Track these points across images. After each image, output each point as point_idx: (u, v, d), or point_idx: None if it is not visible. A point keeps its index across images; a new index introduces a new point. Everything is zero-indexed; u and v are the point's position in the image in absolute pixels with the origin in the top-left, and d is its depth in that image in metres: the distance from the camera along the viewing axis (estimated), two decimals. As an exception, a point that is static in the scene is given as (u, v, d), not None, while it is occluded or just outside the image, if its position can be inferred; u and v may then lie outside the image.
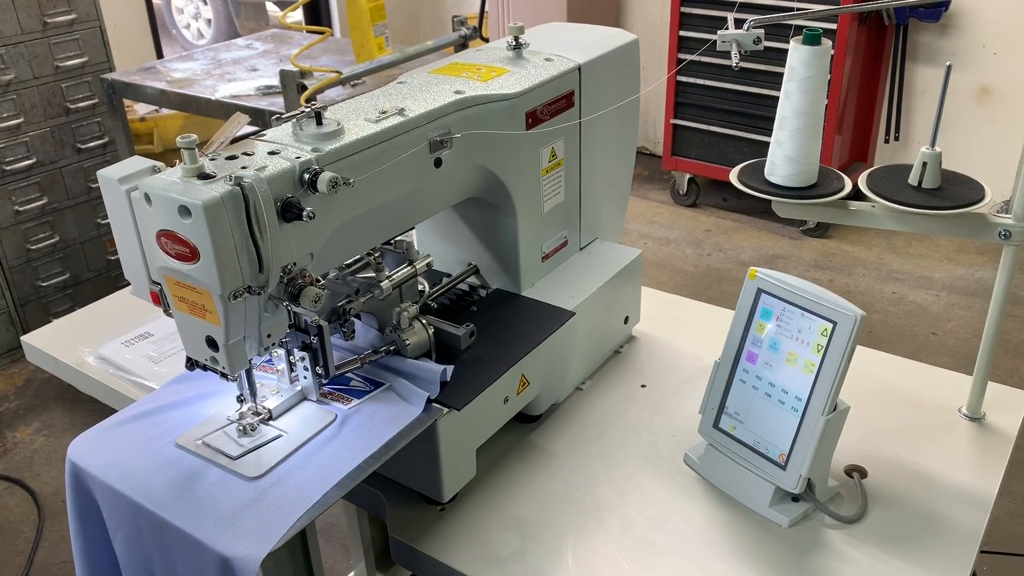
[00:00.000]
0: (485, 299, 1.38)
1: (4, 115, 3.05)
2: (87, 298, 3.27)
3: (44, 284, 3.29)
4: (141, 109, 3.74)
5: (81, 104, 3.25)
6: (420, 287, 1.30)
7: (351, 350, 1.24)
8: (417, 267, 1.27)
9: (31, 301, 3.27)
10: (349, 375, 1.21)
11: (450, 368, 1.18)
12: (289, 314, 1.08)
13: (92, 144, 3.32)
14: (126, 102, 3.20)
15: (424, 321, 1.24)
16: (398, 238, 1.28)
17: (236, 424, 1.14)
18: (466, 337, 1.25)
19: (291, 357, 1.18)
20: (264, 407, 1.16)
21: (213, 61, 3.20)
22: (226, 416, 1.15)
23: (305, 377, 1.18)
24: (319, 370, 1.15)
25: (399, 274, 1.25)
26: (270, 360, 1.22)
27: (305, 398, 1.19)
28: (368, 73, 2.61)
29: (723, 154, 4.12)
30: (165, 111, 3.69)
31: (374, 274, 1.24)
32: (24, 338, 1.61)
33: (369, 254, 1.26)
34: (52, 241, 3.28)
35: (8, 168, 3.09)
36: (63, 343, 1.57)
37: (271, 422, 1.15)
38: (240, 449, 1.10)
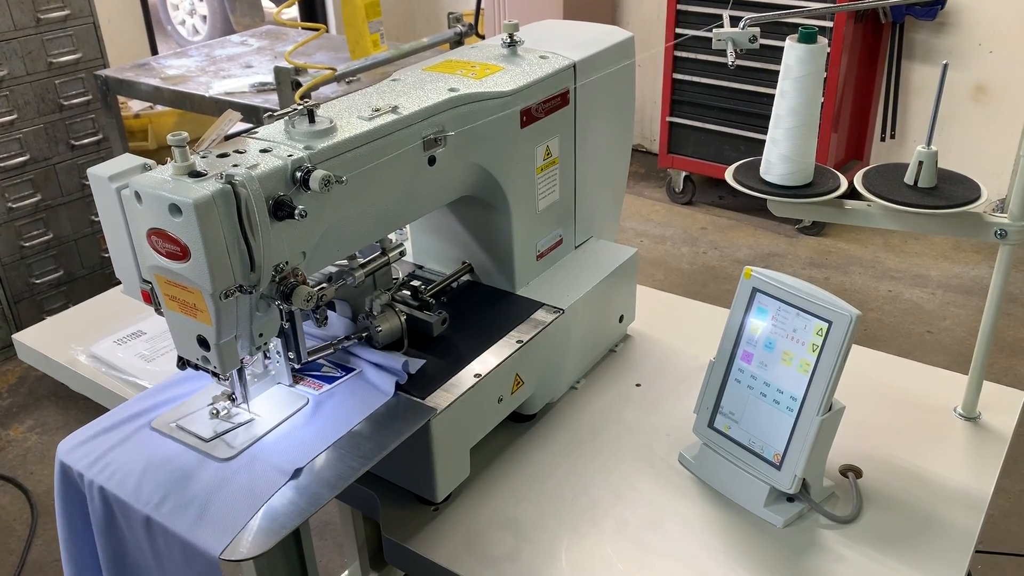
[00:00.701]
0: (468, 294, 1.37)
1: (-3, 111, 3.04)
2: (81, 295, 3.26)
3: (38, 281, 3.28)
4: (135, 106, 3.73)
5: (75, 100, 3.24)
6: (394, 275, 1.30)
7: (322, 338, 1.25)
8: (390, 255, 1.27)
9: (25, 298, 3.26)
10: (320, 362, 1.22)
11: (417, 362, 1.19)
12: (282, 314, 1.07)
13: (86, 141, 3.31)
14: (120, 99, 3.19)
15: (396, 308, 1.25)
16: None
17: (209, 408, 1.14)
18: (438, 324, 1.26)
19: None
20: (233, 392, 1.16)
21: (207, 58, 3.19)
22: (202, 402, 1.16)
23: (278, 362, 1.18)
24: (291, 355, 1.16)
25: (372, 263, 1.25)
26: None
27: (277, 383, 1.20)
28: (363, 70, 2.60)
29: (719, 152, 4.12)
30: (159, 108, 3.68)
31: (347, 261, 1.24)
32: (16, 336, 1.60)
33: None
34: (46, 238, 3.27)
35: (1, 165, 3.08)
36: (55, 341, 1.56)
37: (242, 405, 1.16)
38: (212, 432, 1.11)
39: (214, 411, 1.14)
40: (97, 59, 3.26)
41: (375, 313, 1.23)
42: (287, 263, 1.02)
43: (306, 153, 1.02)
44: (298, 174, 1.00)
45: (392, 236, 1.27)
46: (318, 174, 0.99)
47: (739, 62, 1.24)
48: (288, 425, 1.13)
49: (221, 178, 0.94)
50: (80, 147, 3.29)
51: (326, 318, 1.23)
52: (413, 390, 1.17)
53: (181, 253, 0.95)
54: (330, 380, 1.20)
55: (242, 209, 0.95)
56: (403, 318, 1.25)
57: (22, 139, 3.13)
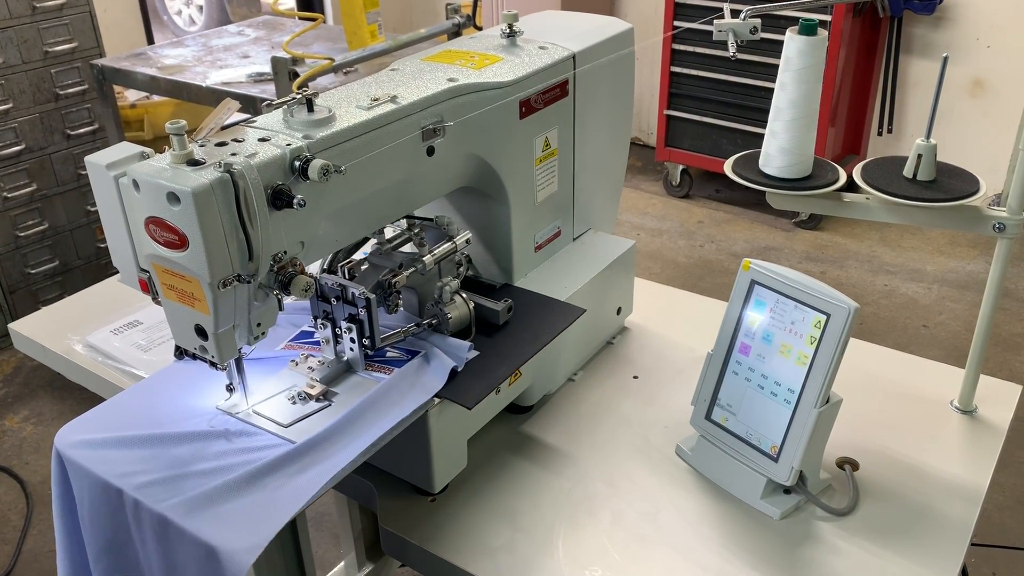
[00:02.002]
0: (496, 291, 1.37)
1: (-8, 100, 3.03)
2: (76, 285, 3.25)
3: (33, 271, 3.27)
4: (132, 96, 3.72)
5: (71, 90, 3.22)
6: (459, 262, 1.30)
7: (388, 326, 1.25)
8: (457, 243, 1.27)
9: (20, 288, 3.25)
10: (386, 348, 1.23)
11: (472, 350, 1.21)
12: (280, 304, 1.06)
13: (82, 130, 3.29)
14: (117, 88, 3.17)
15: (464, 296, 1.25)
16: (437, 215, 1.29)
17: (286, 394, 1.16)
18: (504, 312, 1.28)
19: (337, 329, 1.19)
20: (312, 380, 1.18)
21: (204, 48, 3.18)
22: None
23: (352, 349, 1.19)
24: (366, 342, 1.17)
25: (440, 249, 1.25)
26: (302, 338, 1.26)
27: (350, 369, 1.21)
28: (360, 60, 2.59)
29: (716, 145, 4.11)
30: (156, 98, 3.67)
31: (416, 249, 1.24)
32: (12, 326, 1.60)
33: (410, 228, 1.26)
34: (41, 228, 3.26)
35: (-4, 154, 3.07)
36: (51, 331, 1.55)
37: (318, 392, 1.17)
38: (291, 417, 1.12)
39: (291, 398, 1.15)
40: (93, 48, 3.25)
41: (445, 300, 1.23)
42: (285, 252, 1.02)
43: (305, 142, 1.02)
44: (297, 163, 0.99)
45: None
46: (317, 163, 0.99)
47: (738, 55, 1.24)
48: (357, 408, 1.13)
49: (220, 167, 0.94)
50: (76, 137, 3.28)
51: (398, 306, 1.23)
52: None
53: (179, 242, 0.95)
54: (399, 363, 1.20)
55: (240, 198, 0.95)
56: (471, 305, 1.25)
57: (17, 128, 3.11)
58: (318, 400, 1.15)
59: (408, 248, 1.26)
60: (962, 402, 1.36)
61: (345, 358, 1.21)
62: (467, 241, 1.28)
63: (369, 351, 1.19)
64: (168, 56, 3.08)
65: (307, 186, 1.01)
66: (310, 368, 1.20)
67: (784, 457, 1.14)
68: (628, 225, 4.07)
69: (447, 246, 1.25)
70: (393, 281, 1.19)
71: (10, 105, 3.07)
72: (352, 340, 1.18)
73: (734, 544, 1.13)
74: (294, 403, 1.15)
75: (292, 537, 1.22)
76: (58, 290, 3.35)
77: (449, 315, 1.23)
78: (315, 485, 1.01)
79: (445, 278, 1.25)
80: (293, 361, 1.22)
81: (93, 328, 1.52)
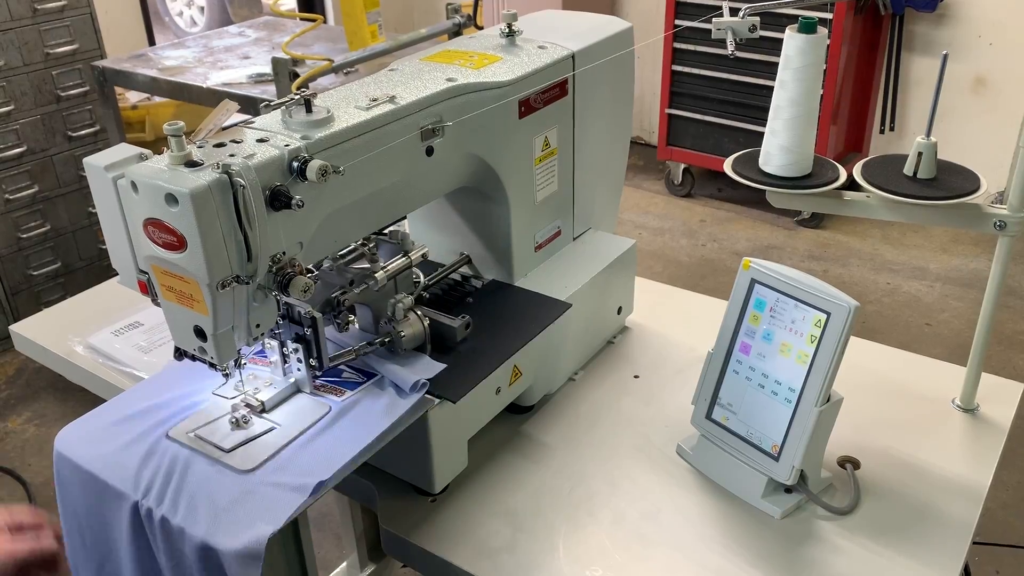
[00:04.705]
0: (481, 290, 1.37)
1: (-6, 102, 3.03)
2: (79, 287, 3.25)
3: (35, 273, 3.27)
4: (133, 97, 3.72)
5: (72, 92, 3.23)
6: (415, 278, 1.29)
7: (342, 344, 1.22)
8: (412, 258, 1.26)
9: (22, 290, 3.25)
10: (341, 367, 1.20)
11: (437, 366, 1.16)
12: (279, 304, 1.07)
13: (83, 132, 3.30)
14: (118, 90, 3.17)
15: (419, 312, 1.23)
16: (392, 228, 1.27)
17: (229, 416, 1.13)
18: (462, 329, 1.24)
19: (284, 349, 1.16)
20: (257, 399, 1.14)
21: (205, 49, 3.18)
22: (220, 407, 1.14)
23: (299, 369, 1.16)
24: (313, 362, 1.14)
25: (394, 265, 1.24)
26: (263, 352, 1.21)
27: (299, 390, 1.18)
28: (361, 61, 2.59)
29: (718, 144, 4.11)
30: (157, 99, 3.67)
31: (368, 264, 1.22)
32: (13, 327, 1.60)
33: (364, 244, 1.24)
34: (43, 230, 3.26)
35: (-2, 156, 3.07)
36: (52, 332, 1.55)
37: (264, 415, 1.14)
38: (233, 442, 1.09)
39: (233, 420, 1.12)
40: (94, 50, 3.25)
41: (398, 318, 1.20)
42: (284, 253, 1.02)
43: (303, 143, 1.01)
44: (295, 164, 0.99)
45: (412, 238, 1.25)
46: (315, 164, 0.99)
47: (738, 54, 1.24)
48: (310, 433, 1.10)
49: (218, 168, 0.94)
50: (77, 138, 3.28)
51: (348, 323, 1.20)
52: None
53: (177, 243, 0.94)
54: (352, 386, 1.17)
55: (239, 199, 0.94)
56: (426, 323, 1.22)
57: (19, 130, 3.12)
58: (259, 415, 1.12)
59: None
60: (964, 400, 1.35)
61: (292, 379, 1.17)
62: (423, 256, 1.25)
63: (317, 372, 1.15)
64: (169, 57, 3.08)
65: (306, 187, 1.01)
66: (255, 389, 1.16)
67: (785, 456, 1.14)
68: (630, 224, 4.07)
69: (401, 261, 1.23)
70: (343, 299, 1.17)
71: (12, 107, 3.07)
72: (300, 360, 1.14)
73: (735, 543, 1.13)
74: (236, 427, 1.11)
75: (294, 537, 1.22)
76: (60, 292, 3.35)
77: (402, 333, 1.19)
78: (317, 476, 1.02)
79: (400, 294, 1.22)
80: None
81: (94, 329, 1.53)
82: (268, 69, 2.64)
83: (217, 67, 2.94)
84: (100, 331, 1.52)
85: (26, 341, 1.57)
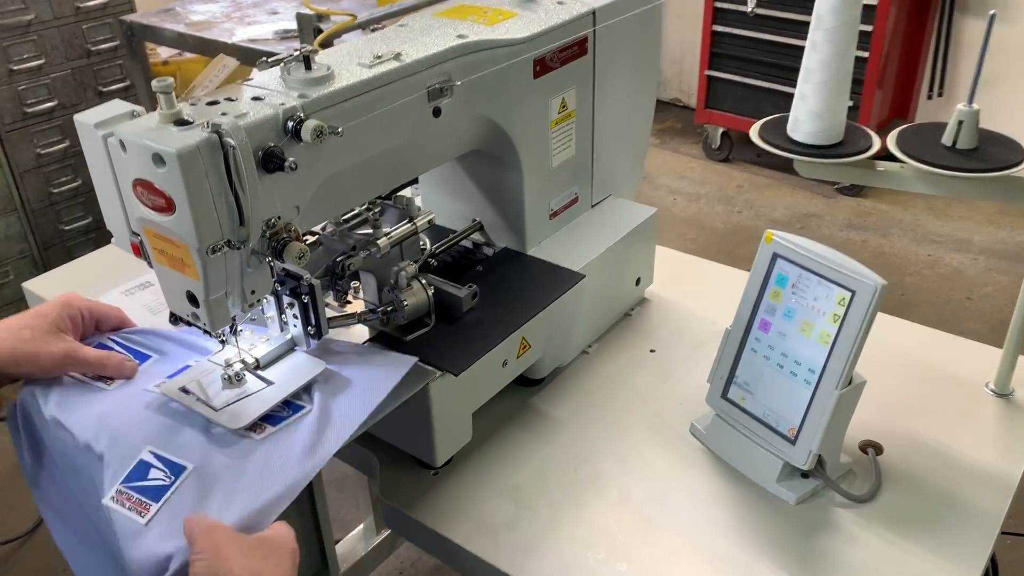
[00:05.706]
0: (491, 259, 1.32)
1: (25, 56, 3.02)
2: (109, 242, 3.26)
3: (67, 228, 3.29)
4: (164, 52, 3.69)
5: (102, 46, 3.21)
6: (422, 245, 1.25)
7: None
8: (418, 224, 1.21)
9: (54, 245, 3.27)
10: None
11: (409, 360, 1.09)
12: (273, 271, 1.03)
13: (114, 87, 3.28)
14: (150, 45, 3.14)
15: (424, 281, 1.18)
16: (398, 193, 1.22)
17: (222, 373, 1.09)
18: (468, 299, 1.20)
19: (281, 304, 1.12)
20: (252, 356, 1.11)
21: (233, 3, 3.13)
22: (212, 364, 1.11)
23: (295, 326, 1.12)
24: (311, 329, 1.10)
25: (398, 231, 1.19)
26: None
27: (295, 347, 1.14)
28: (387, 17, 2.52)
29: (758, 107, 3.98)
30: (188, 55, 3.64)
31: (372, 231, 1.18)
32: (25, 284, 1.59)
33: (368, 209, 1.20)
34: (74, 184, 3.27)
35: (30, 111, 3.07)
36: (64, 291, 1.53)
37: (258, 371, 1.10)
38: (224, 400, 1.06)
39: (227, 377, 1.07)
40: (125, 3, 3.21)
41: (401, 286, 1.16)
42: (279, 218, 0.98)
43: (300, 102, 0.97)
44: (290, 124, 0.95)
45: (421, 203, 1.21)
46: (310, 124, 0.94)
47: (780, 14, 1.16)
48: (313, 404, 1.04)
49: (207, 127, 0.90)
50: (108, 94, 3.26)
51: (347, 292, 1.15)
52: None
53: (166, 205, 0.91)
54: (276, 421, 1.03)
55: (229, 160, 0.90)
56: (431, 292, 1.18)
57: (50, 84, 3.11)
58: (254, 371, 1.08)
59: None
60: (999, 385, 1.28)
61: (289, 335, 1.12)
62: (429, 222, 1.21)
63: (315, 339, 1.10)
64: (196, 12, 3.04)
65: (301, 148, 0.96)
66: (251, 345, 1.11)
67: (802, 440, 1.09)
68: (664, 189, 3.98)
69: (406, 227, 1.19)
70: (346, 264, 1.12)
71: (43, 61, 3.06)
72: (295, 316, 1.10)
73: (746, 529, 1.08)
74: (229, 384, 1.07)
75: (309, 498, 1.19)
76: (91, 247, 3.35)
77: (405, 302, 1.15)
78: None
79: (404, 262, 1.17)
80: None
81: (105, 289, 1.50)
82: (295, 25, 2.60)
83: (244, 22, 2.90)
84: (110, 291, 1.50)
85: (38, 299, 1.56)
